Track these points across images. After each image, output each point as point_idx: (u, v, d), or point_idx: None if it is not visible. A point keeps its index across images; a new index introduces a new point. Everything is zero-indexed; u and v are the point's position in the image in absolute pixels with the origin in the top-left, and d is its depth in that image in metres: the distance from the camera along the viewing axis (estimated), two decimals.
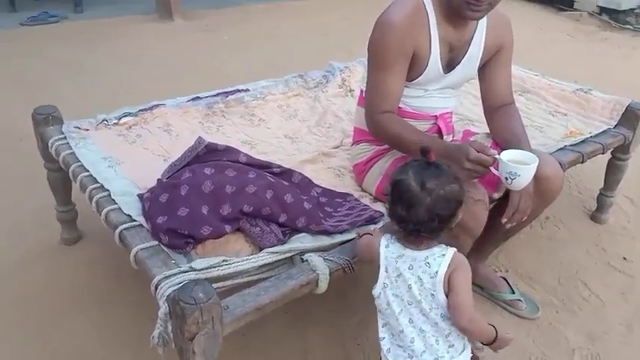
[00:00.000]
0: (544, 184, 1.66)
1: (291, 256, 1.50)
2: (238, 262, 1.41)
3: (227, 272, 1.38)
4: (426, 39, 1.69)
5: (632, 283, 2.20)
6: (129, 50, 4.45)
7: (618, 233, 2.50)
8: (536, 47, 4.82)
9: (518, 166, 1.48)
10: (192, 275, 1.34)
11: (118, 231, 1.54)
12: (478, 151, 1.49)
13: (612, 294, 2.14)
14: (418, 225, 1.24)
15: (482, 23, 1.77)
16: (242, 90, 2.48)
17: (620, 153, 2.39)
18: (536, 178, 1.59)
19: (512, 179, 1.48)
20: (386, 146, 1.87)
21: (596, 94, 2.50)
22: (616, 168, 2.44)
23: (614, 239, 2.46)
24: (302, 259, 1.49)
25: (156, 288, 1.33)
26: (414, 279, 1.27)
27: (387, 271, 1.30)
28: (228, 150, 1.67)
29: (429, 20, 1.69)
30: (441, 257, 1.26)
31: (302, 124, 2.39)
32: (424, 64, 1.72)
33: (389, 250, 1.30)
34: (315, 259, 1.47)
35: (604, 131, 2.31)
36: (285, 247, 1.50)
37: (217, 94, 2.41)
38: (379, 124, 1.74)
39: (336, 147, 2.24)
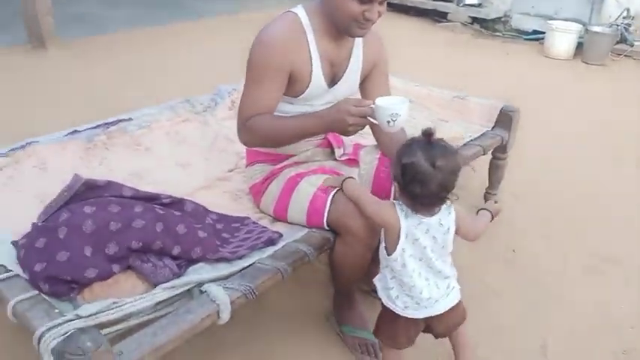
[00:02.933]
0: None
1: (189, 289, 1.44)
2: (131, 302, 1.33)
3: (119, 315, 1.29)
4: (305, 56, 1.72)
5: (523, 273, 2.34)
6: None
7: (506, 228, 2.66)
8: (417, 58, 5.08)
9: (398, 106, 1.57)
10: (79, 323, 1.23)
11: None
12: (356, 106, 1.57)
13: (506, 285, 2.26)
14: (431, 198, 1.43)
15: (359, 40, 1.83)
16: (124, 119, 2.36)
17: (499, 153, 2.55)
18: None
19: (394, 120, 1.56)
20: (280, 165, 1.86)
21: (473, 100, 2.66)
22: (497, 167, 2.60)
23: (502, 234, 2.61)
24: (201, 290, 1.43)
25: (39, 341, 1.22)
26: (429, 239, 1.48)
27: (406, 238, 1.46)
28: (110, 185, 1.58)
29: (307, 38, 1.71)
30: (448, 215, 1.50)
31: (193, 150, 2.32)
32: (307, 80, 1.74)
33: (408, 221, 1.46)
34: (215, 289, 1.41)
35: (483, 134, 2.46)
36: (182, 280, 1.43)
37: (97, 126, 2.27)
38: (249, 130, 1.72)
39: (231, 170, 2.20)
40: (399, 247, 1.47)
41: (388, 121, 1.56)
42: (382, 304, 1.61)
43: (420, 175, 1.38)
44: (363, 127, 1.62)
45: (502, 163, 2.59)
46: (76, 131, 2.22)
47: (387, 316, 1.59)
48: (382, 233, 1.55)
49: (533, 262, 2.41)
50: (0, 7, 5.92)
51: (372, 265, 1.89)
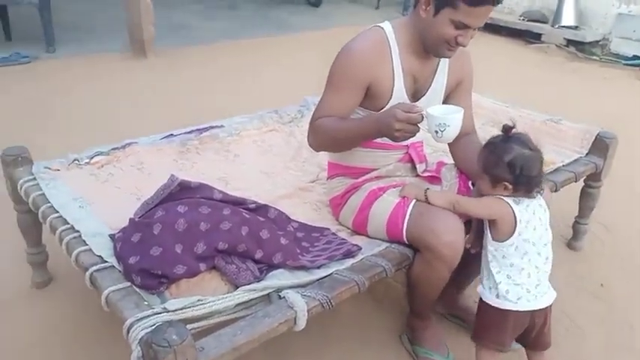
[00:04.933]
0: None
1: (268, 294, 1.47)
2: (214, 301, 1.38)
3: (202, 312, 1.34)
4: (388, 70, 1.72)
5: (610, 309, 2.21)
6: (102, 89, 4.42)
7: (594, 260, 2.53)
8: (507, 79, 4.95)
9: (447, 116, 1.54)
10: (165, 317, 1.30)
11: (88, 273, 1.49)
12: (405, 112, 1.53)
13: (592, 321, 2.14)
14: (540, 177, 1.57)
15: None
16: (216, 126, 2.47)
17: (592, 181, 2.43)
18: None
19: (443, 131, 1.54)
20: (361, 179, 1.87)
21: (566, 124, 2.55)
22: (589, 195, 2.48)
23: (590, 266, 2.48)
24: (279, 295, 1.46)
25: (128, 331, 1.29)
26: (536, 220, 1.59)
27: (521, 222, 1.56)
28: (202, 187, 1.65)
29: (391, 53, 1.72)
30: (540, 196, 1.62)
31: (277, 159, 2.38)
32: (388, 94, 1.74)
33: (520, 206, 1.57)
34: (293, 296, 1.44)
35: (575, 160, 2.35)
36: (262, 284, 1.47)
37: (191, 131, 2.40)
38: (315, 130, 1.74)
39: (313, 181, 2.23)
40: (515, 232, 1.56)
41: (436, 131, 1.54)
42: (484, 307, 1.64)
43: (528, 161, 1.53)
44: (413, 134, 1.56)
45: (594, 191, 2.46)
46: (171, 135, 2.35)
47: (495, 317, 1.61)
48: (488, 226, 1.62)
49: (621, 298, 2.27)
50: (109, 18, 6.36)
51: (450, 288, 1.86)
